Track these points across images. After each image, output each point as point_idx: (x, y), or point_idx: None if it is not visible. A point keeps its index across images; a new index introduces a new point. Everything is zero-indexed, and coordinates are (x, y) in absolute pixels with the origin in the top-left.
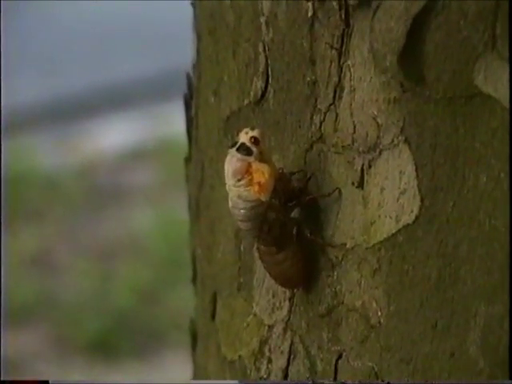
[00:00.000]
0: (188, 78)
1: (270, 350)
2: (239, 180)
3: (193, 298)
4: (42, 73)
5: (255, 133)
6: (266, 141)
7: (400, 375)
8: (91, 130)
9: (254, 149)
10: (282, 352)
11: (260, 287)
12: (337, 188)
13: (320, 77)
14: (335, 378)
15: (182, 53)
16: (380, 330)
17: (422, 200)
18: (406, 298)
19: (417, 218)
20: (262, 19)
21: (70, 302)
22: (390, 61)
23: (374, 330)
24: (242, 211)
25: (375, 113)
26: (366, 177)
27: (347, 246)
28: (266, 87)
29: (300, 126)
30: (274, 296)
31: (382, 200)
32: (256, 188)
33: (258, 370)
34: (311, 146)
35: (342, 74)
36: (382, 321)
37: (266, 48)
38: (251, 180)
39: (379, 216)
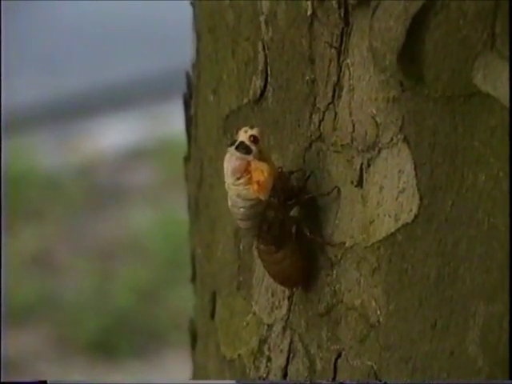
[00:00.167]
0: (187, 77)
1: (269, 348)
2: (238, 178)
3: (192, 298)
4: (42, 73)
5: (254, 131)
6: (265, 139)
7: (399, 374)
8: (91, 130)
9: (253, 147)
10: (281, 351)
11: (259, 286)
12: (336, 187)
13: (319, 76)
14: (334, 377)
15: (182, 53)
16: (379, 329)
17: (420, 199)
18: (405, 296)
19: (416, 216)
20: (262, 18)
21: (70, 302)
22: (389, 60)
23: (373, 329)
24: (241, 210)
25: (374, 112)
26: (365, 176)
27: (346, 244)
28: (265, 86)
29: (299, 125)
30: (273, 295)
31: (381, 199)
32: (255, 187)
33: (258, 368)
34: (310, 145)
35: (341, 73)
36: (381, 320)
37: (266, 47)
38: (250, 179)
39: (378, 215)
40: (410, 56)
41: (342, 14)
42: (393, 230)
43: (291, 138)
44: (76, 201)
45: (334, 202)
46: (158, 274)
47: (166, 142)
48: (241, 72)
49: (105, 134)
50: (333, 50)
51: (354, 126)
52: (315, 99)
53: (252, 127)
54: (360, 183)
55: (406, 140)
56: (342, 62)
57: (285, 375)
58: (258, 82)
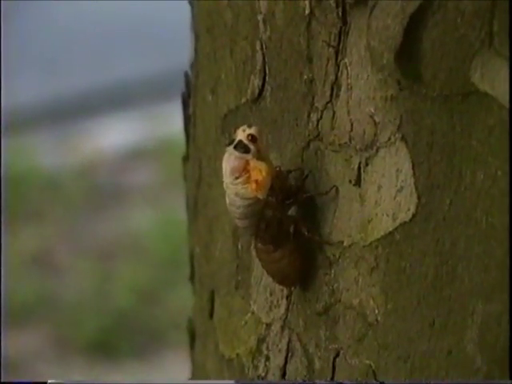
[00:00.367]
0: (186, 76)
1: (267, 348)
2: (237, 178)
3: (192, 298)
4: (42, 73)
5: (252, 130)
6: (263, 139)
7: (397, 373)
8: (91, 130)
9: (252, 147)
10: (279, 350)
11: (258, 285)
12: (334, 186)
13: (317, 75)
14: (333, 376)
15: (182, 53)
16: (377, 328)
17: (418, 198)
18: (403, 295)
19: (414, 215)
20: (260, 17)
21: (70, 302)
22: (386, 59)
23: (371, 328)
24: (239, 209)
25: (372, 111)
26: (363, 175)
27: (344, 243)
28: (263, 85)
29: (297, 124)
30: (271, 294)
31: (378, 198)
32: (253, 186)
33: (256, 368)
34: (308, 144)
35: (339, 72)
36: (379, 319)
37: (264, 46)
38: (249, 178)
39: (376, 214)
40: (407, 55)
41: (340, 13)
42: (391, 229)
43: (289, 137)
44: (76, 201)
45: (332, 201)
46: (157, 274)
47: (166, 142)
48: (239, 71)
49: (105, 134)
50: (331, 49)
51: (352, 125)
52: (313, 98)
53: (250, 126)
54: (358, 182)
55: (403, 139)
56: (340, 61)
57: (283, 374)
58: (256, 82)
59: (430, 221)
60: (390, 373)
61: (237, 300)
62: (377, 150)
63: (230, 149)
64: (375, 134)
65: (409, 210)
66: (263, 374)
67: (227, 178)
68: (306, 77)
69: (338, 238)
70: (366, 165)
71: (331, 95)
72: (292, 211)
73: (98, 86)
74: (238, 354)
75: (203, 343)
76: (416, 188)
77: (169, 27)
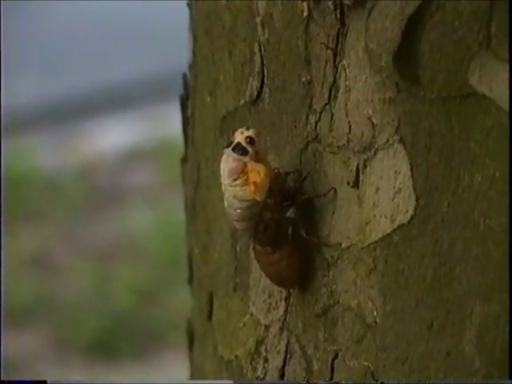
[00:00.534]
0: (184, 78)
1: (266, 349)
2: (235, 180)
3: (191, 299)
4: (42, 73)
5: (251, 133)
6: (261, 141)
7: (396, 375)
8: (91, 131)
9: (250, 149)
10: (278, 352)
11: (256, 287)
12: (332, 188)
13: (315, 77)
14: (331, 378)
15: (181, 54)
16: (376, 330)
17: (417, 200)
18: (401, 297)
19: (412, 217)
20: (258, 19)
21: (69, 303)
22: (385, 61)
23: (369, 330)
24: (237, 211)
25: (370, 113)
26: (361, 176)
27: (343, 245)
28: (261, 87)
29: (295, 126)
30: (270, 296)
31: (377, 200)
32: (251, 188)
33: (255, 369)
34: (306, 146)
35: (338, 74)
36: (377, 320)
37: (262, 48)
38: (247, 180)
39: (374, 216)
40: (405, 57)
41: (338, 16)
42: (389, 231)
43: (287, 139)
44: (75, 202)
45: (331, 203)
46: (157, 274)
47: (166, 143)
48: (237, 73)
49: (104, 134)
50: (329, 51)
51: (350, 127)
52: (311, 100)
53: (248, 128)
54: (356, 184)
55: (402, 141)
56: (338, 63)
57: (282, 376)
58: (254, 84)
59: (428, 223)
60: (389, 374)
61: (235, 302)
62: (375, 152)
63: (229, 151)
64: (373, 136)
65: (407, 211)
66: (262, 376)
67: (225, 180)
68: (304, 79)
69: (337, 240)
70: (365, 167)
71: (329, 97)
72: (290, 213)
73: (98, 87)
74: (236, 356)
75: (202, 345)
76: (414, 190)
77: (168, 28)
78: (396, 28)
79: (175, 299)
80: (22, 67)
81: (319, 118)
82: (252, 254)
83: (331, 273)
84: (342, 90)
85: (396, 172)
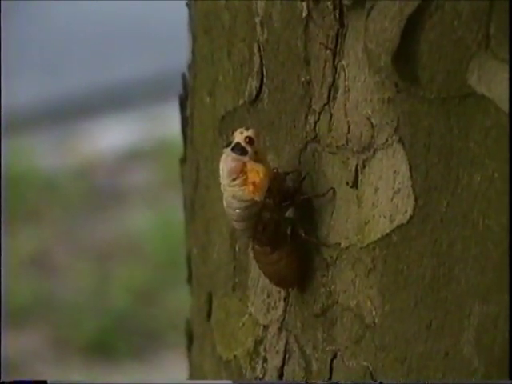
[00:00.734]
0: (183, 78)
1: (265, 349)
2: (234, 180)
3: (190, 299)
4: (41, 73)
5: (250, 133)
6: (260, 141)
7: (394, 375)
8: (90, 131)
9: (249, 148)
10: (277, 352)
11: (255, 287)
12: (331, 188)
13: (314, 77)
14: (330, 378)
15: (181, 54)
16: (375, 330)
17: (416, 200)
18: (400, 297)
19: (411, 217)
20: (257, 19)
21: (68, 303)
22: (384, 61)
23: (368, 330)
24: (236, 211)
25: (369, 113)
26: (360, 177)
27: (342, 245)
28: (260, 87)
29: (295, 126)
30: (268, 296)
31: (376, 200)
32: (250, 188)
33: (254, 369)
34: (306, 146)
35: (337, 74)
36: (376, 320)
37: (261, 48)
38: (246, 180)
39: (373, 216)
40: (404, 57)
41: (337, 16)
42: (388, 231)
43: (287, 139)
44: (74, 202)
45: (330, 203)
46: (156, 274)
47: (165, 143)
48: (236, 73)
49: (103, 134)
50: (328, 52)
51: (349, 127)
52: (310, 100)
53: (248, 128)
54: (355, 184)
55: (401, 141)
56: (337, 63)
57: (281, 376)
58: (253, 84)
59: (427, 223)
60: (388, 374)
61: (234, 302)
62: (374, 152)
63: (228, 150)
64: (372, 136)
65: (406, 211)
66: (261, 376)
67: (224, 180)
68: (303, 79)
69: (336, 240)
70: (364, 167)
71: (328, 97)
72: (289, 213)
73: (97, 87)
74: (235, 356)
75: (201, 345)
76: (413, 190)
77: (167, 28)
78: (395, 28)
79: (174, 299)
80: (22, 67)
81: (318, 118)
82: (251, 254)
83: (330, 273)
84: (341, 90)
85: (395, 172)
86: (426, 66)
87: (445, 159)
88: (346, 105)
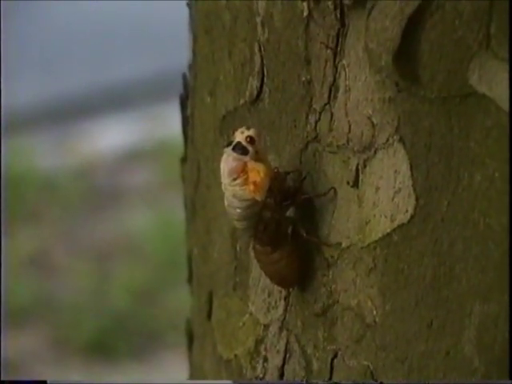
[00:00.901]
0: (184, 77)
1: (265, 349)
2: (235, 179)
3: (190, 299)
4: (41, 73)
5: (251, 132)
6: (261, 140)
7: (395, 374)
8: (89, 131)
9: (250, 148)
10: (277, 351)
11: (256, 286)
12: (332, 187)
13: (315, 76)
14: (331, 377)
15: (181, 54)
16: (375, 329)
17: (416, 199)
18: (401, 296)
19: (412, 217)
20: (258, 19)
21: (67, 303)
22: (385, 60)
23: (369, 329)
24: (237, 210)
25: (370, 112)
26: (361, 176)
27: (342, 245)
28: (261, 87)
29: (295, 126)
30: (269, 295)
31: (377, 199)
32: (251, 187)
33: (254, 368)
34: (306, 146)
35: (337, 74)
36: (377, 320)
37: (262, 48)
38: (247, 179)
39: (374, 215)
40: (405, 56)
41: (338, 15)
42: (389, 231)
43: (287, 138)
44: (74, 202)
45: (330, 203)
46: (155, 275)
47: (165, 143)
48: (237, 73)
49: (103, 134)
50: (329, 51)
51: (350, 126)
52: (311, 100)
53: (248, 128)
54: (356, 184)
55: (401, 140)
56: (338, 62)
57: (281, 375)
58: (254, 83)
59: (428, 222)
60: (388, 374)
61: (235, 301)
62: (375, 152)
63: (229, 150)
64: (373, 136)
65: (407, 211)
66: (261, 375)
67: (225, 180)
68: (304, 78)
69: (336, 240)
70: (364, 166)
71: (329, 97)
72: (290, 212)
73: (97, 87)
74: (236, 355)
75: (201, 344)
76: (414, 189)
77: (168, 28)
78: (396, 28)
79: (173, 299)
80: (22, 67)
81: (319, 118)
82: (252, 254)
83: (331, 272)
84: (341, 89)
85: (396, 171)
86: (427, 65)
87: (445, 159)
88: (346, 104)
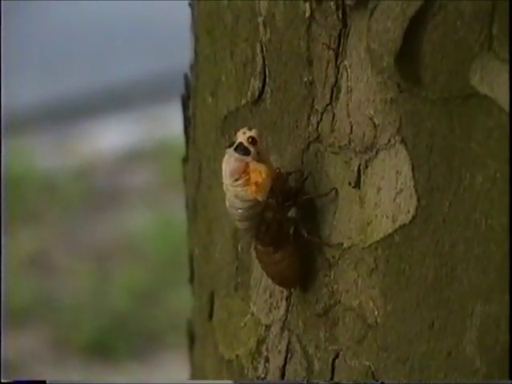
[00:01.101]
0: (185, 78)
1: (267, 349)
2: (236, 180)
3: (191, 299)
4: (41, 74)
5: (253, 133)
6: (263, 141)
7: (397, 375)
8: (90, 132)
9: (252, 149)
10: (279, 351)
11: (257, 287)
12: (334, 188)
13: (317, 77)
14: (332, 378)
15: (181, 54)
16: (377, 330)
17: (418, 200)
18: (402, 297)
19: (413, 217)
20: (260, 19)
21: (67, 303)
22: (386, 61)
23: (370, 330)
24: (239, 211)
25: (372, 113)
26: (362, 177)
27: (344, 245)
28: (263, 87)
29: (297, 126)
30: (271, 296)
31: (378, 200)
32: (253, 188)
33: (256, 369)
34: (308, 146)
35: (339, 75)
36: (378, 320)
37: (264, 48)
38: (248, 180)
39: (376, 216)
40: (407, 57)
41: (340, 16)
42: (390, 231)
43: (289, 139)
44: (74, 202)
45: (332, 203)
46: (155, 275)
47: (165, 144)
48: (239, 73)
49: (103, 135)
50: (331, 52)
51: (351, 127)
52: (313, 101)
53: (250, 129)
54: (358, 184)
55: (403, 141)
56: (340, 63)
57: (283, 375)
58: (256, 84)
59: (430, 223)
60: (390, 374)
61: (236, 301)
62: (376, 153)
63: (230, 151)
64: (375, 137)
65: (408, 212)
66: (263, 375)
67: (227, 180)
68: (305, 79)
69: (338, 240)
70: (366, 167)
71: (331, 97)
72: (292, 213)
73: (97, 87)
74: (237, 356)
75: (202, 345)
76: (415, 190)
77: (169, 28)
78: (398, 28)
79: (173, 300)
80: (22, 67)
81: (321, 119)
82: (253, 254)
83: (332, 273)
84: (343, 90)
85: (397, 172)
86: (429, 66)
87: (447, 159)
88: (348, 105)
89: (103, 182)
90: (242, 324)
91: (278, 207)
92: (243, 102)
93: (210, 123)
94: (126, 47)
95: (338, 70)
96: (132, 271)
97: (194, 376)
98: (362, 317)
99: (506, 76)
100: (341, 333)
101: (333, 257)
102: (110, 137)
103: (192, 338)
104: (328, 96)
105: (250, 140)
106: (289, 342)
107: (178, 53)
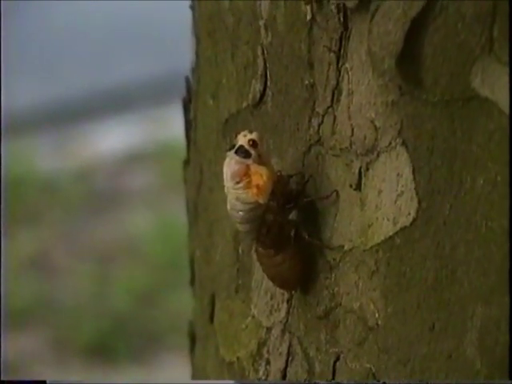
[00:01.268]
0: (187, 81)
1: (268, 351)
2: (238, 182)
3: (191, 301)
4: (42, 76)
5: (253, 135)
6: (264, 143)
7: (397, 376)
8: (90, 133)
9: (253, 151)
10: (280, 354)
11: (258, 289)
12: (335, 190)
13: (318, 80)
14: (333, 380)
15: (182, 56)
16: (378, 332)
17: (419, 202)
18: (403, 299)
19: (414, 220)
20: (261, 22)
21: (68, 305)
22: (387, 64)
23: (371, 332)
24: (240, 213)
25: (373, 116)
26: (363, 179)
27: (345, 248)
28: (264, 90)
29: (298, 129)
30: (272, 298)
31: (379, 202)
32: (254, 190)
33: (257, 371)
34: (309, 149)
35: (340, 77)
36: (379, 322)
37: (265, 51)
38: (249, 182)
39: (377, 218)
40: (408, 60)
41: (341, 19)
42: (391, 234)
43: (290, 141)
44: (74, 204)
45: (333, 206)
46: (156, 277)
47: (165, 146)
48: (240, 76)
49: (103, 137)
50: (332, 55)
51: (352, 129)
52: (314, 103)
53: (251, 131)
54: (359, 187)
55: (404, 144)
56: (341, 66)
57: (284, 378)
58: (257, 86)
59: (431, 225)
60: (390, 376)
61: (237, 304)
62: (377, 155)
63: (231, 153)
64: (376, 139)
65: (409, 214)
66: (264, 378)
67: (228, 183)
68: (307, 82)
69: (339, 243)
70: (367, 169)
71: (332, 100)
72: (293, 215)
73: (98, 89)
74: (238, 358)
75: (203, 347)
76: (416, 193)
77: (169, 30)
78: (399, 31)
79: (174, 301)
80: (22, 68)
81: (322, 121)
82: (254, 256)
83: (333, 275)
84: (344, 93)
85: (398, 175)
86: (430, 68)
87: (448, 162)
88: (349, 108)
89: (103, 183)
90: (243, 326)
91: (279, 210)
92: (244, 104)
93: (211, 126)
94: (127, 49)
95: (339, 72)
96: (132, 273)
97: (195, 378)
98: (363, 319)
99: (507, 79)
100: (342, 335)
101: (334, 259)
102: (111, 139)
103: (193, 340)
104: (329, 99)
105: (250, 143)
106: (290, 345)
107: (179, 55)
